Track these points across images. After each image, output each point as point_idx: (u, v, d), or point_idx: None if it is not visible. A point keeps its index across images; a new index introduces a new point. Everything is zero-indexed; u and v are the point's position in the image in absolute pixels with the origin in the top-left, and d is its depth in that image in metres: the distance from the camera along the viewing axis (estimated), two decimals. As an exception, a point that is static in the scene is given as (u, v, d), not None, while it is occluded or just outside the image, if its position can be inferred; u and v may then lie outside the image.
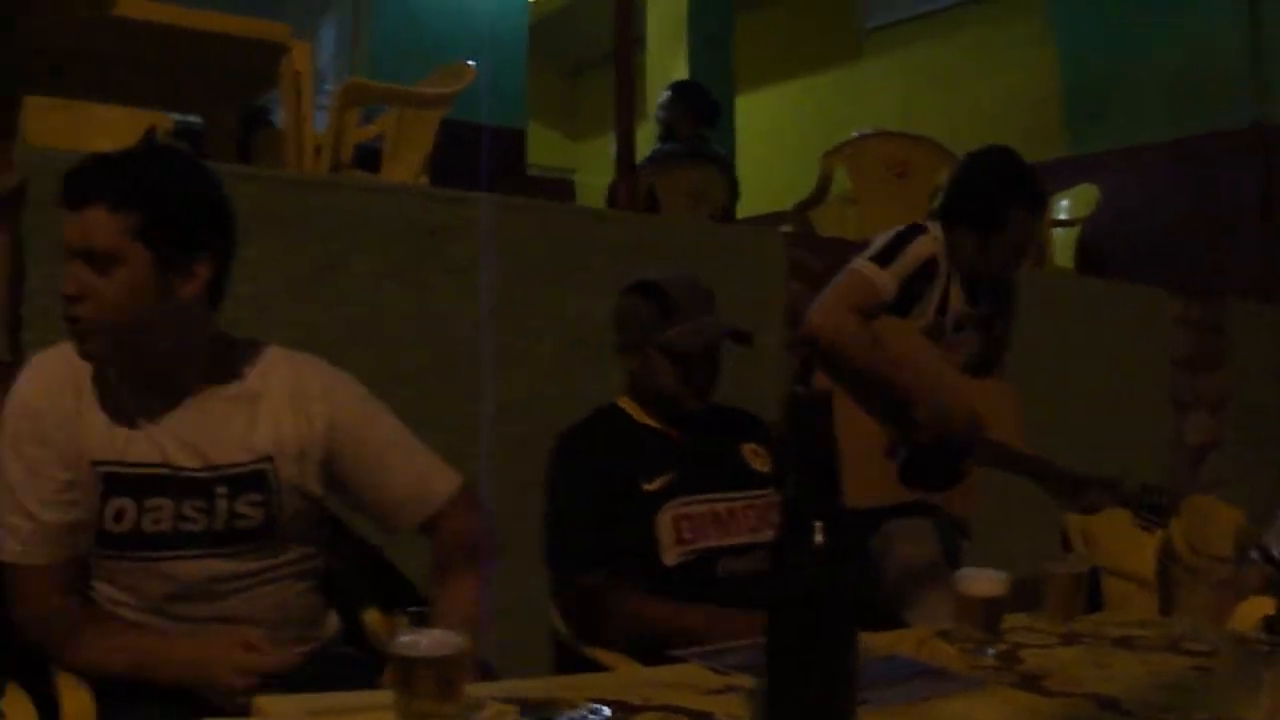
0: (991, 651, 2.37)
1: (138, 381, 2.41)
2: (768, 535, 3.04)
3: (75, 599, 2.40)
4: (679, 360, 3.09)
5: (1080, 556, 3.96)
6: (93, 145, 5.09)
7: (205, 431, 2.42)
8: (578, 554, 2.99)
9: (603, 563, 2.96)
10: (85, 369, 2.38)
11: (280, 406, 2.48)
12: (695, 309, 3.12)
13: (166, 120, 5.97)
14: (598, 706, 1.44)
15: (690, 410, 3.14)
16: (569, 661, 2.96)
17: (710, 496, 3.06)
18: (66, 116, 4.98)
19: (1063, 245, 8.34)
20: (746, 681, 2.03)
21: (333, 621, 2.64)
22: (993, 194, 3.70)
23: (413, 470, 2.56)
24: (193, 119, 6.14)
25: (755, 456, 3.20)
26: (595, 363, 3.67)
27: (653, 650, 2.64)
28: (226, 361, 2.48)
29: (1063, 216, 8.41)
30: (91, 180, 2.27)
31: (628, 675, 2.55)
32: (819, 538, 1.60)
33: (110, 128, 5.44)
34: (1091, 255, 8.22)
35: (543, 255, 3.77)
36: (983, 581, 2.44)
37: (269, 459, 2.44)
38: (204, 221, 2.36)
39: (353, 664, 2.54)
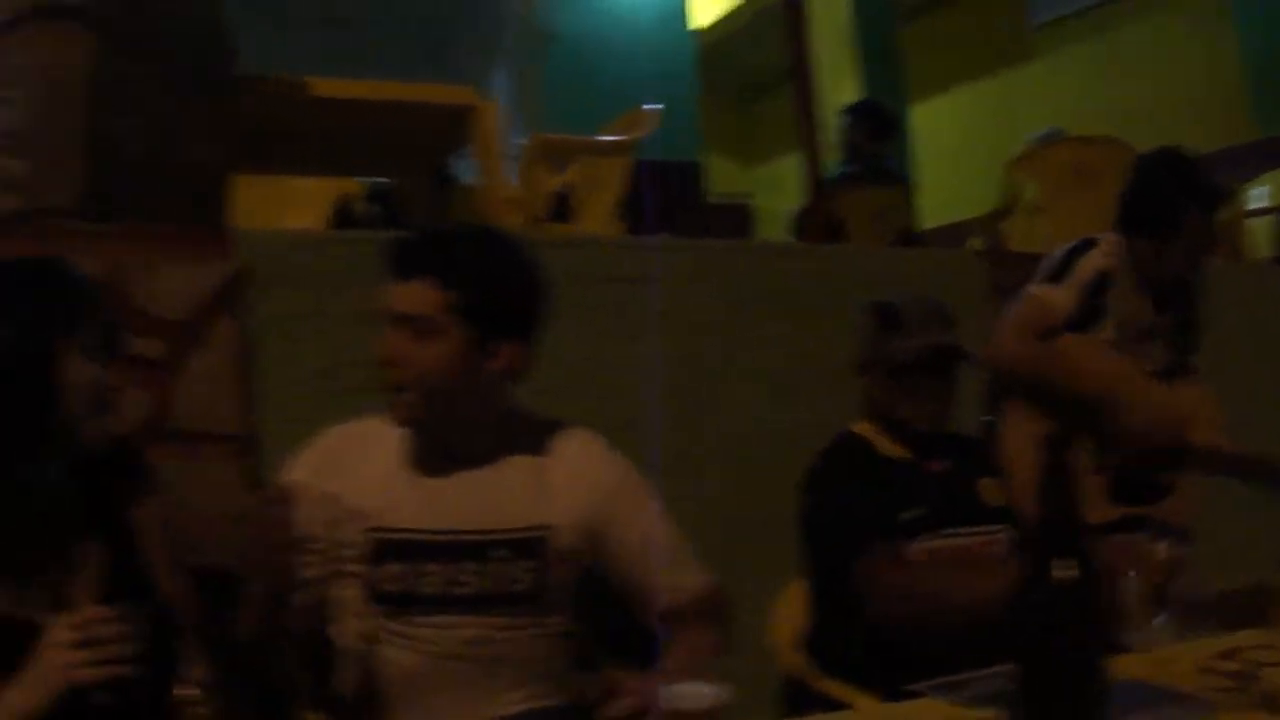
0: None
1: (435, 446, 2.53)
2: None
3: None
4: (902, 376, 3.10)
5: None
6: (291, 217, 5.34)
7: (489, 497, 2.52)
8: (867, 533, 3.00)
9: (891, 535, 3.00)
10: (380, 437, 2.54)
11: (561, 480, 2.57)
12: (923, 325, 3.12)
13: (357, 186, 6.16)
14: None
15: (922, 431, 3.13)
16: (802, 700, 2.99)
17: (957, 531, 3.06)
18: (263, 191, 5.16)
19: (1259, 234, 8.06)
20: (989, 715, 2.05)
21: (584, 677, 2.69)
22: (1164, 198, 3.63)
23: (672, 555, 2.63)
24: (382, 180, 6.34)
25: (989, 490, 3.19)
26: (805, 396, 3.70)
27: (889, 680, 2.69)
28: (515, 432, 2.59)
29: (1259, 205, 8.05)
30: (422, 255, 2.42)
31: (867, 713, 2.60)
32: (1066, 572, 1.63)
33: (305, 198, 5.65)
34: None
35: (737, 293, 3.81)
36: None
37: (547, 527, 2.53)
38: (519, 306, 2.49)
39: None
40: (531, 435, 2.61)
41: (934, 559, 3.01)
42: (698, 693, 1.82)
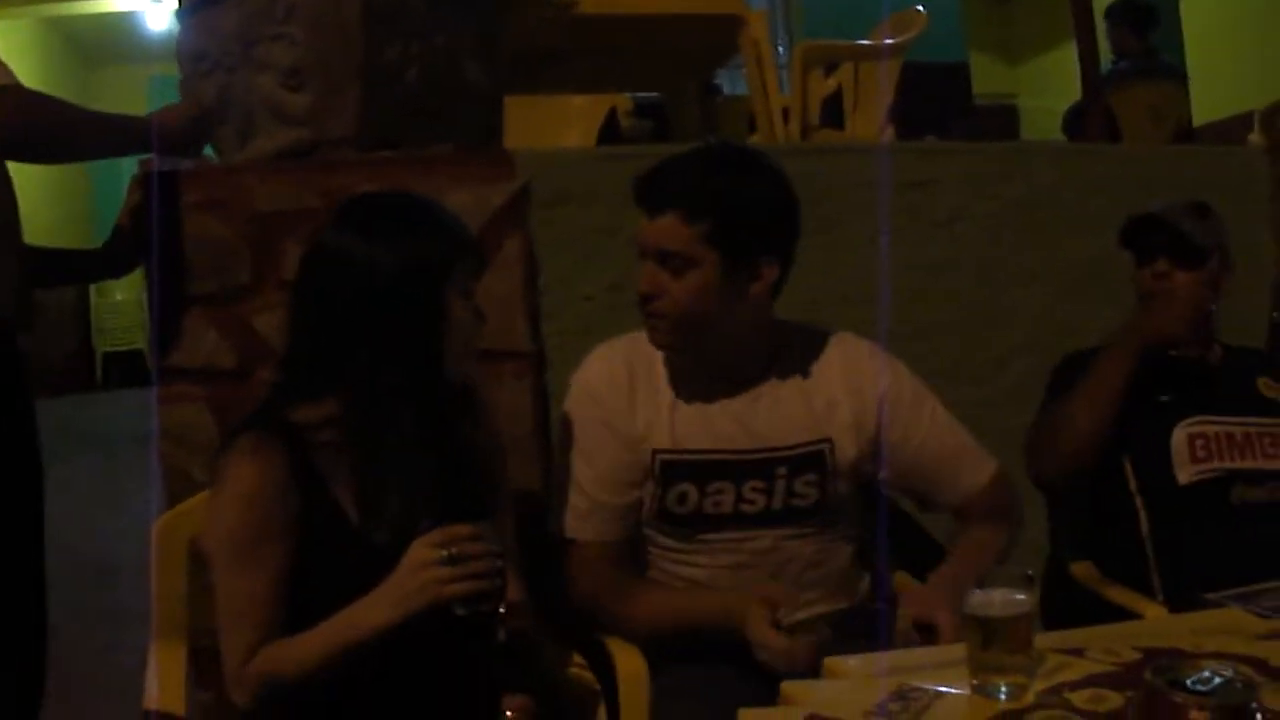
0: None
1: (704, 370, 2.57)
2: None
3: (624, 572, 2.58)
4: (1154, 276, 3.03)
5: None
6: (562, 135, 5.41)
7: (766, 416, 2.56)
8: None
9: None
10: (646, 359, 2.58)
11: (836, 390, 2.59)
12: (1184, 225, 3.03)
13: (625, 100, 6.19)
14: (1223, 669, 1.45)
15: (1190, 340, 3.04)
16: (1085, 607, 2.92)
17: (1225, 419, 2.99)
18: (534, 109, 5.23)
19: None
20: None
21: (865, 582, 2.76)
22: None
23: (954, 454, 2.64)
24: (649, 94, 6.37)
25: (1269, 388, 3.11)
26: (1090, 306, 3.63)
27: (1175, 586, 2.66)
28: (785, 349, 2.61)
29: None
30: (666, 189, 2.44)
31: (1164, 623, 2.55)
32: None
33: (574, 115, 5.71)
34: None
35: (1018, 197, 3.74)
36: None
37: (827, 440, 2.56)
38: (771, 225, 2.48)
39: (878, 619, 2.61)
40: (800, 348, 2.63)
41: (1205, 442, 2.95)
42: (1007, 599, 1.81)
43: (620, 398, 2.56)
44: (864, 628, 2.49)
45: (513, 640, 2.17)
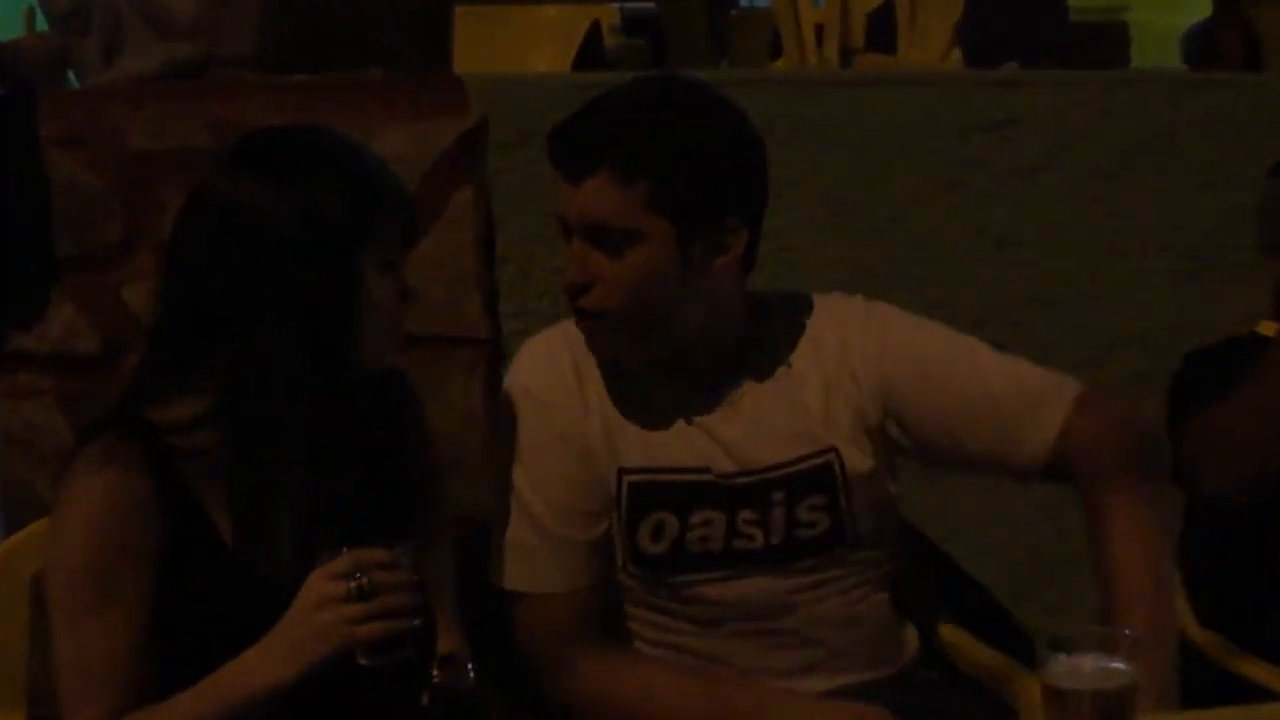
0: None
1: (662, 371, 2.49)
2: None
3: (598, 635, 2.50)
4: None
5: None
6: (532, 57, 5.41)
7: (747, 426, 2.49)
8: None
9: None
10: (595, 356, 2.48)
11: (826, 377, 2.50)
12: None
13: (611, 12, 6.16)
14: None
15: None
16: (1209, 684, 2.85)
17: None
18: (493, 24, 5.23)
19: None
20: None
21: (911, 639, 2.71)
22: None
23: (1007, 392, 2.49)
24: (641, 4, 6.36)
25: None
26: (1215, 279, 3.65)
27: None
28: (761, 334, 2.52)
29: None
30: (587, 144, 2.31)
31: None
32: None
33: (546, 30, 5.69)
34: None
35: (1125, 143, 3.75)
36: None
37: (830, 449, 2.49)
38: (732, 176, 2.37)
39: (938, 690, 2.63)
40: (781, 329, 2.55)
41: None
42: (1102, 669, 1.77)
43: (570, 403, 2.48)
44: (915, 703, 2.47)
45: (446, 705, 2.14)
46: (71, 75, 3.35)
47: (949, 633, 2.78)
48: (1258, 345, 3.10)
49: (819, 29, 5.13)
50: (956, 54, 5.40)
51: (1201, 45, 6.63)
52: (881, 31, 5.70)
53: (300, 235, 2.08)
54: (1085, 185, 3.65)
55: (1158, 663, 2.22)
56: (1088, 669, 1.77)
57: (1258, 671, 2.84)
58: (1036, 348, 3.35)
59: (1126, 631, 1.87)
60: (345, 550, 1.98)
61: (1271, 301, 3.14)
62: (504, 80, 3.26)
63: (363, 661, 1.96)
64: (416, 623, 1.98)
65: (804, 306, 2.58)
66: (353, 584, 1.95)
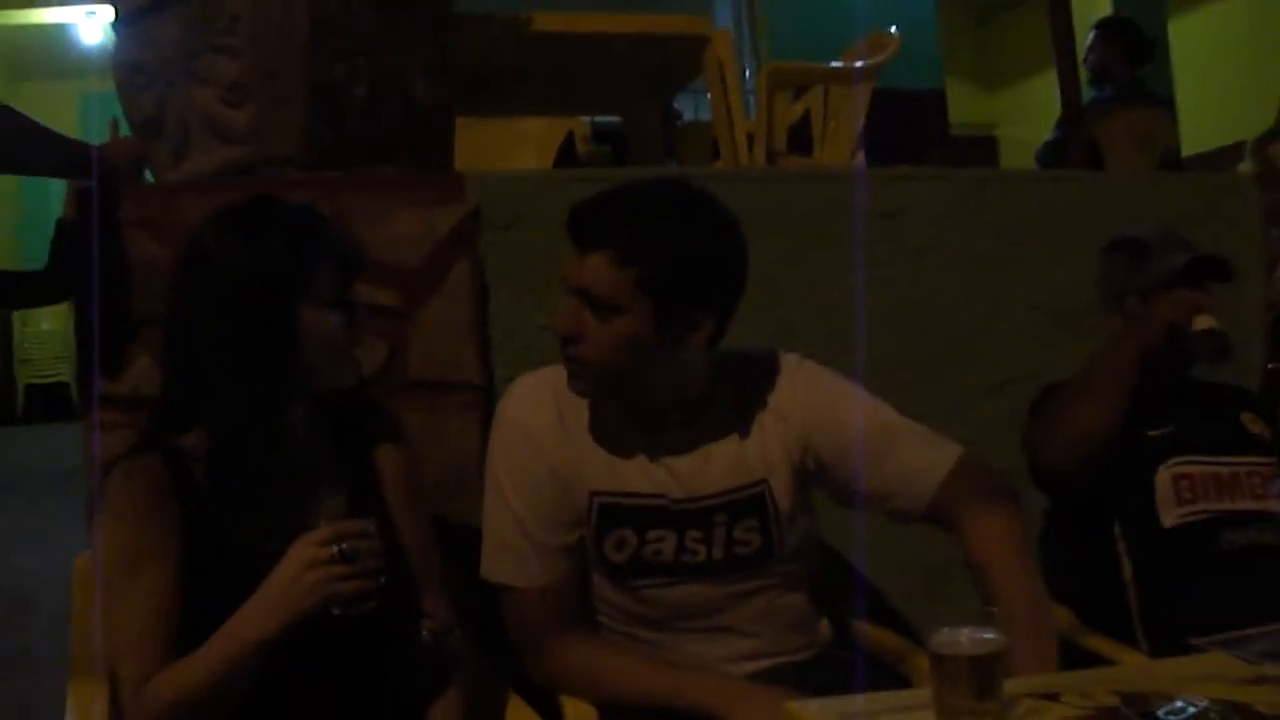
0: None
1: (630, 412, 2.50)
2: (1271, 505, 2.99)
3: (570, 622, 2.52)
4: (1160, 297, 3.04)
5: None
6: (517, 158, 5.42)
7: (699, 461, 2.50)
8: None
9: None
10: (573, 395, 2.48)
11: (768, 424, 2.54)
12: (1172, 250, 3.08)
13: (583, 124, 6.19)
14: (1198, 700, 1.46)
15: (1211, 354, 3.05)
16: (1071, 657, 2.90)
17: (1211, 458, 3.02)
18: (487, 132, 5.23)
19: None
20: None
21: (825, 627, 2.72)
22: None
23: (904, 451, 2.52)
24: (608, 119, 6.37)
25: (1253, 423, 3.14)
26: (1068, 334, 3.67)
27: (1159, 634, 2.67)
28: (719, 385, 2.54)
29: None
30: (598, 226, 2.34)
31: (1145, 667, 2.57)
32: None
33: (532, 138, 5.72)
34: None
35: (996, 227, 3.77)
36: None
37: (763, 482, 2.51)
38: (712, 275, 2.37)
39: (849, 667, 2.61)
40: (737, 380, 2.56)
41: (1190, 483, 2.98)
42: (976, 638, 1.78)
43: (552, 433, 2.49)
44: (830, 678, 2.47)
45: (436, 647, 2.26)
46: (149, 173, 3.33)
47: (857, 622, 2.84)
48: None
49: (750, 137, 5.14)
50: (860, 156, 5.42)
51: (1053, 154, 6.66)
52: (801, 139, 5.72)
53: (245, 286, 2.15)
54: (964, 261, 3.66)
55: (1038, 635, 2.27)
56: (964, 639, 1.78)
57: (1101, 645, 2.85)
58: (929, 392, 3.36)
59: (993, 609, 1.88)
60: (324, 523, 2.05)
61: None
62: (495, 176, 3.25)
63: (336, 612, 2.03)
64: (383, 580, 2.05)
65: (751, 363, 2.60)
66: (335, 549, 2.01)
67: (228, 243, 2.21)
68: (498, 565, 2.51)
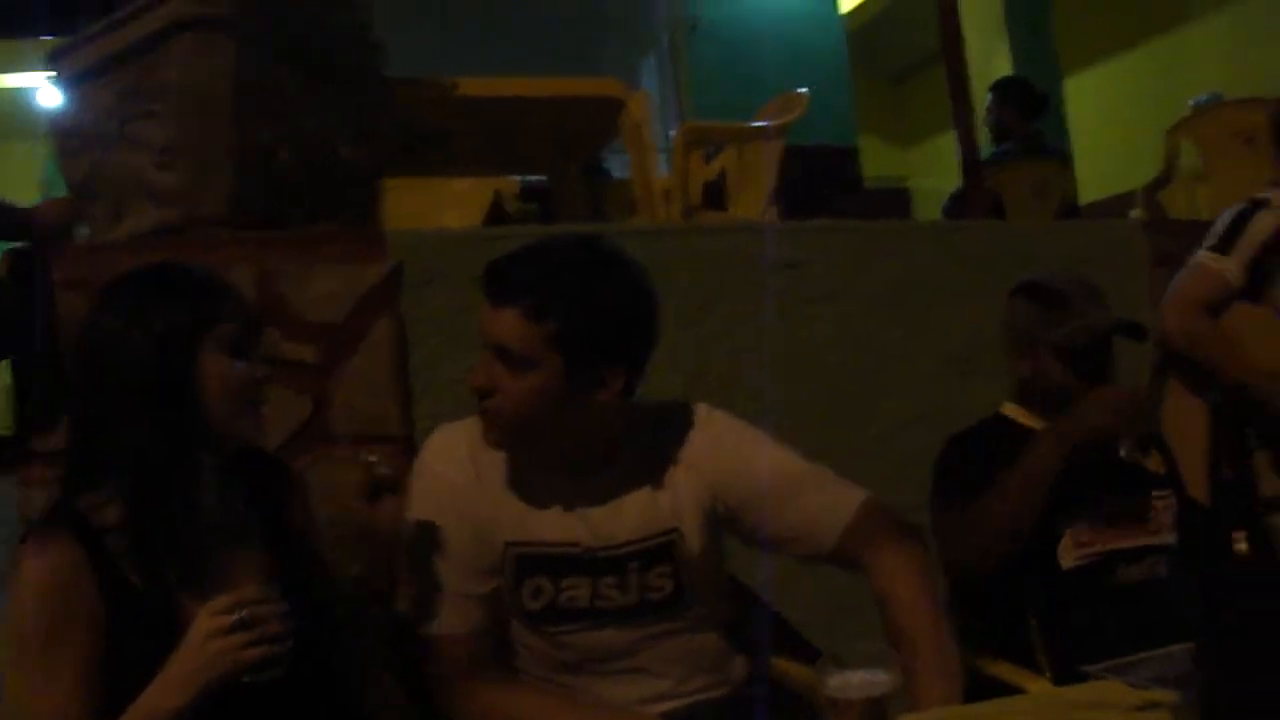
0: None
1: (545, 463, 2.42)
2: (1165, 539, 2.96)
3: (488, 669, 2.42)
4: (1071, 359, 2.98)
5: None
6: (445, 217, 5.37)
7: (611, 510, 2.42)
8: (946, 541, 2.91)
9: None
10: (491, 447, 2.40)
11: (678, 474, 2.45)
12: (1084, 305, 3.03)
13: (511, 184, 6.15)
14: None
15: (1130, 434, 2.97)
16: (974, 684, 2.86)
17: (1104, 499, 2.95)
18: (418, 193, 5.18)
19: None
20: (1168, 696, 1.95)
21: (739, 665, 2.63)
22: (1277, 108, 3.64)
23: (810, 496, 2.45)
24: (535, 178, 6.35)
25: (1129, 453, 3.09)
26: (970, 377, 3.62)
27: (1058, 662, 2.61)
28: (633, 435, 2.45)
29: None
30: (512, 282, 2.24)
31: (1048, 695, 2.52)
32: (1240, 546, 1.56)
33: (461, 198, 5.67)
34: None
35: (899, 274, 3.74)
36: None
37: (674, 530, 2.43)
38: (623, 332, 2.30)
39: (763, 704, 2.54)
40: (650, 431, 2.48)
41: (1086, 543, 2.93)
42: (867, 680, 1.74)
43: (468, 484, 2.41)
44: (745, 715, 2.44)
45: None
46: (88, 231, 3.27)
47: (780, 661, 2.71)
48: (1002, 423, 3.12)
49: (666, 194, 5.11)
50: (773, 211, 5.40)
51: (959, 205, 6.68)
52: (717, 196, 5.71)
53: (139, 345, 2.04)
54: (869, 307, 3.63)
55: (943, 668, 2.19)
56: (856, 680, 1.74)
57: (1006, 672, 2.81)
58: (837, 434, 3.31)
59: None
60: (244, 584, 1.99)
61: (1013, 389, 3.14)
62: (416, 234, 3.21)
63: (247, 680, 1.93)
64: (289, 644, 1.96)
65: (662, 414, 2.51)
66: (235, 617, 1.91)
67: (129, 293, 2.11)
68: (416, 613, 2.40)
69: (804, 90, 5.83)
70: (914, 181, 11.87)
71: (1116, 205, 7.62)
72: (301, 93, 3.27)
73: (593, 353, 2.25)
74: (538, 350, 2.22)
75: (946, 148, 6.61)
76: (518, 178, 6.28)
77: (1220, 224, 3.56)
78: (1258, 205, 3.54)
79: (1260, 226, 3.49)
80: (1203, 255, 3.52)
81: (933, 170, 11.31)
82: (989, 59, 10.15)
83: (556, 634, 2.43)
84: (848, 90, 10.38)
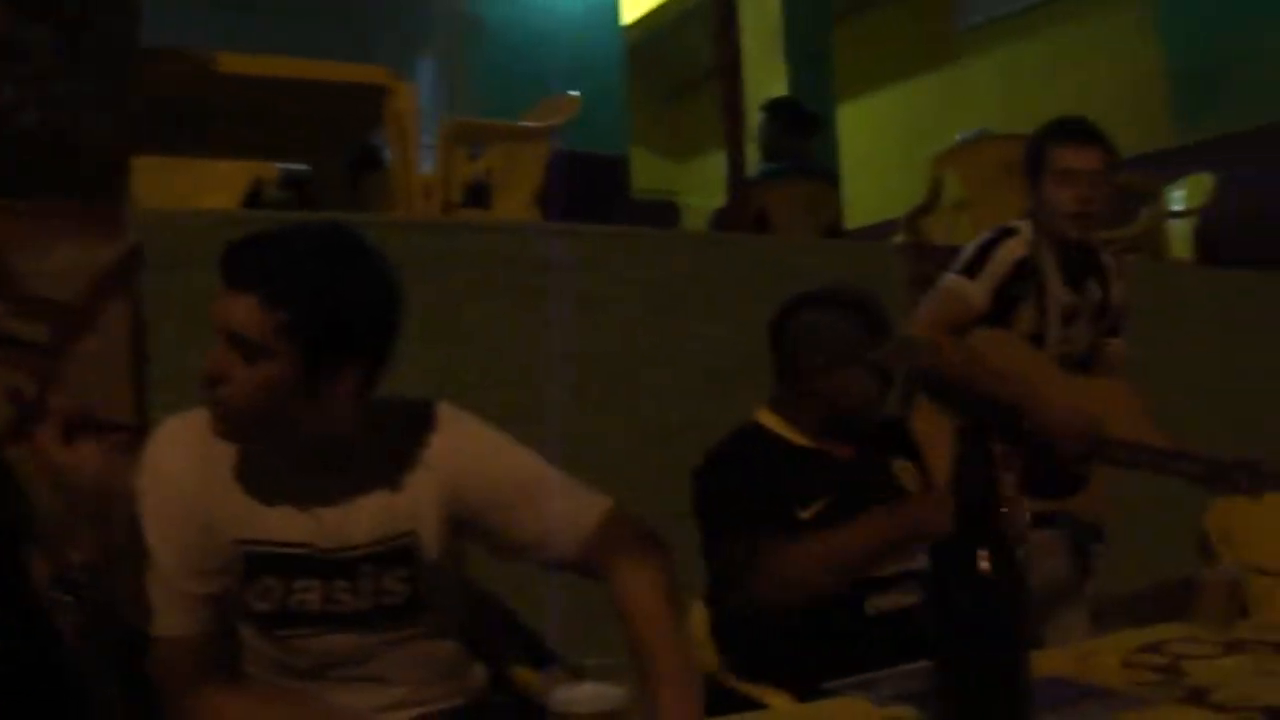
0: None
1: (279, 459, 2.32)
2: (916, 563, 2.97)
3: (212, 672, 2.32)
4: (885, 377, 3.02)
5: (1233, 560, 3.87)
6: (201, 201, 5.21)
7: (348, 510, 2.34)
8: (757, 521, 2.88)
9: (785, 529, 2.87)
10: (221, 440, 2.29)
11: (418, 475, 2.38)
12: (892, 326, 3.06)
13: (272, 170, 6.00)
14: None
15: (832, 418, 3.04)
16: (721, 699, 2.85)
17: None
18: (174, 174, 5.03)
19: (1180, 237, 8.16)
20: (907, 714, 1.98)
21: (479, 673, 2.59)
22: (1031, 143, 3.74)
23: (553, 502, 2.41)
24: (298, 167, 6.21)
25: (905, 473, 3.11)
26: (730, 388, 3.61)
27: (801, 678, 2.61)
28: (373, 433, 2.36)
29: (1177, 207, 8.19)
30: (249, 266, 2.15)
31: (785, 713, 2.53)
32: (984, 565, 1.56)
33: (219, 182, 5.50)
34: (1211, 245, 8.01)
35: (661, 283, 3.74)
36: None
37: (412, 533, 2.36)
38: (361, 326, 2.22)
39: (503, 713, 2.52)
40: (389, 431, 2.39)
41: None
42: (596, 695, 1.70)
43: (196, 478, 2.29)
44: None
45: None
46: None
47: (519, 671, 2.68)
48: (759, 432, 3.09)
49: (428, 189, 5.03)
50: (537, 213, 5.37)
51: (724, 220, 6.73)
52: (480, 196, 5.66)
53: None
54: (633, 313, 3.61)
55: (682, 685, 2.15)
56: (583, 695, 1.70)
57: (749, 689, 2.83)
58: (593, 438, 3.28)
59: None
60: None
61: (778, 398, 3.12)
62: (162, 214, 3.09)
63: None
64: None
65: (404, 413, 2.42)
66: None
67: None
68: (143, 615, 2.29)
69: (575, 94, 5.83)
70: (683, 197, 11.96)
71: (882, 232, 7.77)
72: (50, 54, 3.12)
73: (330, 345, 2.17)
74: (271, 339, 2.12)
75: (717, 165, 6.67)
76: (279, 164, 6.14)
77: (969, 249, 3.66)
78: (1007, 233, 3.65)
79: (1006, 254, 3.60)
80: (950, 279, 3.61)
81: (703, 187, 11.41)
82: (766, 80, 10.30)
83: (287, 638, 2.33)
84: (623, 101, 10.42)
